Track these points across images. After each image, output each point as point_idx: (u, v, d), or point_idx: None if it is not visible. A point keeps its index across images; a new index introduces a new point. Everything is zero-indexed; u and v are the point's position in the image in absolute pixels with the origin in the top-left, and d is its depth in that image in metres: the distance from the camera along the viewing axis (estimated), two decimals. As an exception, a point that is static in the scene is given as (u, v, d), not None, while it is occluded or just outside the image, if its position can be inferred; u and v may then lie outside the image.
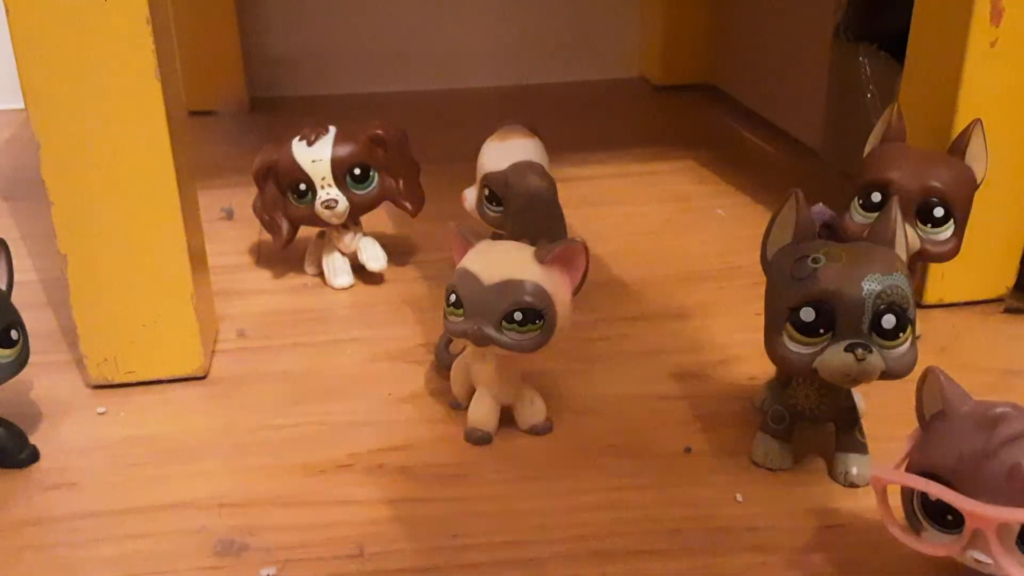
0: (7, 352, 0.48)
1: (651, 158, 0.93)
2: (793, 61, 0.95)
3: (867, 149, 0.60)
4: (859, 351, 0.42)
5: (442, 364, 0.57)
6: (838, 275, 0.43)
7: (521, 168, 0.62)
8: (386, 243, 0.70)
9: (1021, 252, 0.64)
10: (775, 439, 0.49)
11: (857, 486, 0.47)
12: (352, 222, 0.68)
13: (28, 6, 0.48)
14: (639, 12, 1.16)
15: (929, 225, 0.56)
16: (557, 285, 0.47)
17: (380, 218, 0.72)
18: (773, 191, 0.82)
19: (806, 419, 0.48)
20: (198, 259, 0.57)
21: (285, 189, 0.66)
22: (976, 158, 0.56)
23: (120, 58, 0.49)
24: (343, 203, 0.65)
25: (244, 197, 0.71)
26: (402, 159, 0.67)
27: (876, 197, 0.56)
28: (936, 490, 0.36)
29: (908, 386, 0.41)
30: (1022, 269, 0.64)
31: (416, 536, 0.44)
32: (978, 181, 0.57)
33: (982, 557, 0.36)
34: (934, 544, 0.38)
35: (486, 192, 0.64)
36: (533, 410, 0.52)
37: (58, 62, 0.49)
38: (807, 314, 0.43)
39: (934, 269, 0.63)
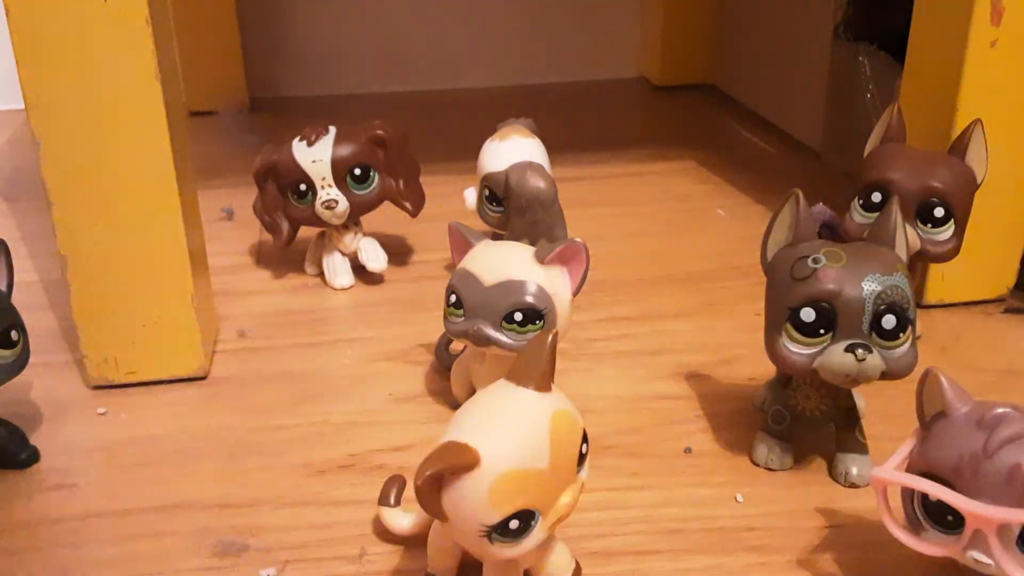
0: (7, 353, 0.48)
1: (651, 158, 0.93)
2: (793, 61, 0.95)
3: (867, 149, 0.60)
4: (859, 351, 0.42)
5: (442, 364, 0.57)
6: (838, 275, 0.43)
7: (521, 168, 0.62)
8: (386, 243, 0.70)
9: (1021, 252, 0.64)
10: (775, 439, 0.49)
11: (857, 486, 0.47)
12: (352, 222, 0.68)
13: (28, 6, 0.48)
14: (639, 12, 1.16)
15: (929, 225, 0.56)
16: (557, 285, 0.47)
17: (380, 218, 0.72)
18: (773, 191, 0.82)
19: (806, 419, 0.48)
20: (198, 259, 0.57)
21: (285, 189, 0.66)
22: (976, 158, 0.56)
23: (120, 58, 0.49)
24: (343, 203, 0.65)
25: (245, 197, 0.71)
26: (402, 159, 0.67)
27: (876, 197, 0.56)
28: (936, 491, 0.36)
29: (908, 386, 0.41)
30: (1022, 269, 0.64)
31: (417, 537, 0.44)
32: (978, 181, 0.56)
33: (982, 557, 0.36)
34: (934, 544, 0.38)
35: (486, 192, 0.64)
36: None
37: (58, 63, 0.49)
38: (807, 314, 0.43)
39: (934, 269, 0.63)
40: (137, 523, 0.46)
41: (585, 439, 0.37)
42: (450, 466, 0.34)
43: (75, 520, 0.46)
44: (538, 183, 0.61)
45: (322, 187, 0.65)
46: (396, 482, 0.44)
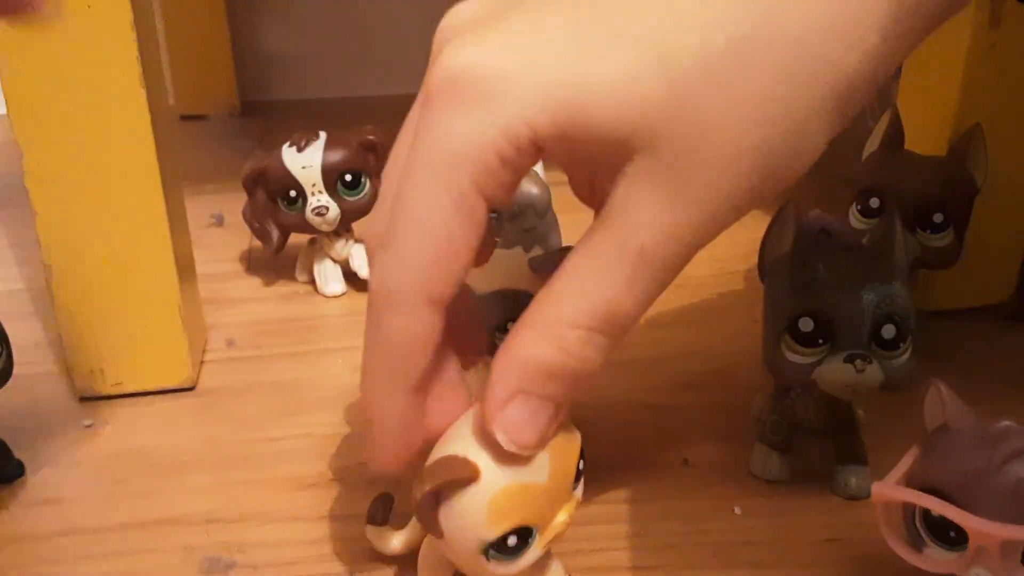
0: (-11, 365, 0.47)
1: (646, 162, 0.92)
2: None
3: (865, 154, 0.59)
4: (859, 362, 0.41)
5: (435, 374, 0.56)
6: (837, 285, 0.42)
7: (514, 174, 0.61)
8: (378, 250, 0.69)
9: (1022, 258, 0.63)
10: (774, 450, 0.48)
11: (857, 498, 0.47)
12: (344, 229, 0.67)
13: (10, 12, 0.47)
14: (634, 14, 1.15)
15: (928, 231, 0.55)
16: (551, 295, 0.46)
17: (372, 224, 0.71)
18: (770, 195, 0.81)
19: (805, 430, 0.47)
20: (185, 268, 0.56)
21: (275, 196, 0.65)
22: (976, 163, 0.55)
23: (104, 64, 0.48)
24: (334, 210, 0.64)
25: (235, 203, 0.70)
26: (394, 165, 0.66)
27: (874, 203, 0.56)
28: (938, 506, 0.36)
29: (909, 395, 0.40)
30: (1022, 276, 0.64)
31: (410, 553, 0.43)
32: (978, 187, 0.56)
33: (986, 575, 0.35)
34: (937, 561, 0.37)
35: (479, 198, 0.63)
36: (527, 421, 0.51)
37: (40, 68, 0.48)
38: (805, 324, 0.42)
39: (933, 275, 0.62)
40: (123, 539, 0.45)
41: (582, 456, 0.37)
42: (450, 480, 0.33)
43: (60, 536, 0.45)
44: (531, 189, 0.60)
45: (312, 193, 0.64)
46: (384, 500, 0.43)
